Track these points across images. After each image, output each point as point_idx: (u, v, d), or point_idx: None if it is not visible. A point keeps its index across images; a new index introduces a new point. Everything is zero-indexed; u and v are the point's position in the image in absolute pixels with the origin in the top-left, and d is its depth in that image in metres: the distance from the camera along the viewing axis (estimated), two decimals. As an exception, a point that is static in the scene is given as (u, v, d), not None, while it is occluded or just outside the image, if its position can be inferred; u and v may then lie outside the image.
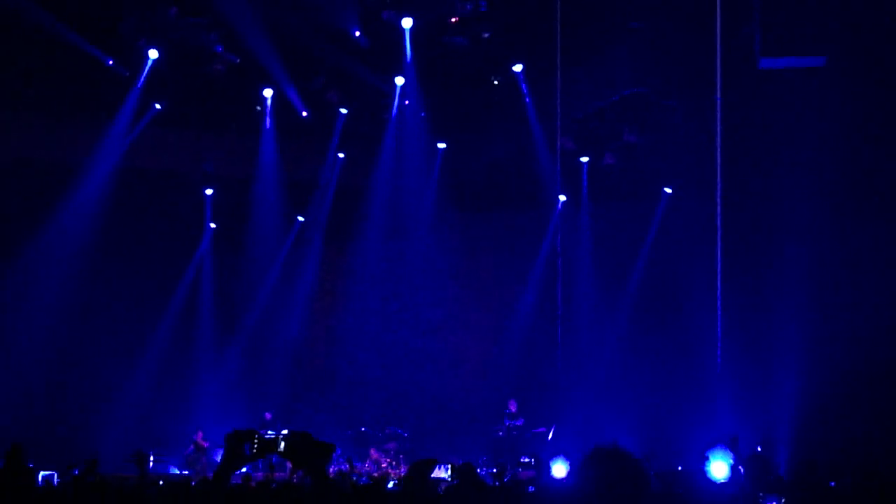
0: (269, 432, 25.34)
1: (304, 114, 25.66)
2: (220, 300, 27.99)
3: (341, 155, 27.29)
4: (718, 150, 23.34)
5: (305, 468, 5.42)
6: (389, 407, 27.04)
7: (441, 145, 27.25)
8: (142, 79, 24.16)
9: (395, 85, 25.23)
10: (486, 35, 23.45)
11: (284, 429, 24.67)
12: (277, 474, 22.89)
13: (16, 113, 25.05)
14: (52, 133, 25.50)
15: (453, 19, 23.13)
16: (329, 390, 28.18)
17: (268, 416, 25.20)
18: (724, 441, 21.28)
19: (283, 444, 5.43)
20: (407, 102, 25.60)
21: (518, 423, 24.95)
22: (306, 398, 27.76)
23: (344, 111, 26.13)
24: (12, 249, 25.00)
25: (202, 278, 28.17)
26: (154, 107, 25.23)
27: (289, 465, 23.10)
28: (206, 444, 24.44)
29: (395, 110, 25.81)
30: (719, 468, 20.33)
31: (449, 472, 19.24)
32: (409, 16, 22.94)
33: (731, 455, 20.38)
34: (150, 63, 23.88)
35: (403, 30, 23.40)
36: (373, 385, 28.01)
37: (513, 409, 25.18)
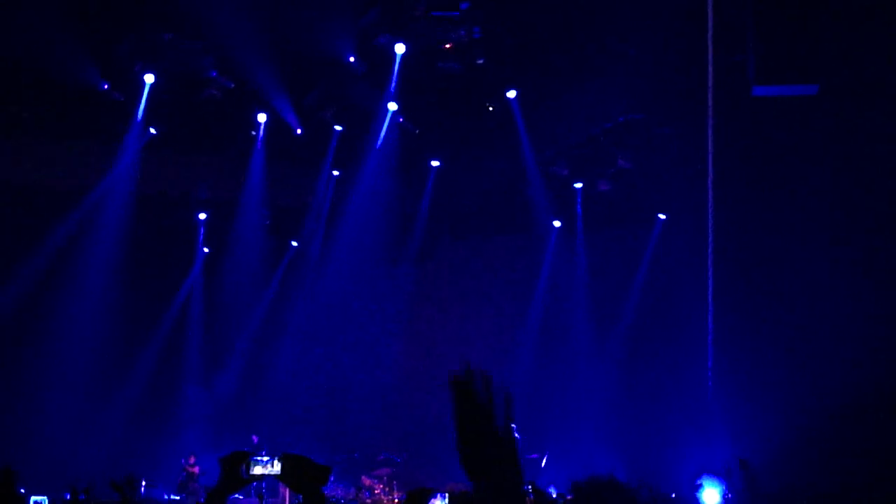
0: (264, 457, 25.25)
1: (299, 131, 25.62)
2: (210, 325, 27.93)
3: (336, 172, 27.23)
4: (711, 176, 23.38)
5: (301, 491, 5.42)
6: (382, 432, 26.97)
7: (435, 163, 27.23)
8: (141, 104, 24.15)
9: (387, 110, 25.19)
10: (480, 61, 23.50)
11: (266, 452, 24.73)
12: (268, 500, 22.83)
13: (8, 137, 25.04)
14: (46, 158, 25.49)
15: (447, 45, 23.17)
16: (320, 415, 28.11)
17: (255, 439, 25.15)
18: (726, 466, 21.35)
19: (279, 467, 5.42)
20: (401, 119, 25.57)
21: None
22: (297, 423, 27.68)
23: (338, 128, 26.08)
24: (3, 274, 24.99)
25: (193, 302, 28.13)
26: (149, 131, 25.22)
27: (282, 489, 23.08)
28: (196, 470, 24.37)
29: (382, 134, 25.74)
30: (711, 496, 20.38)
31: (447, 501, 19.13)
32: (402, 41, 22.98)
33: (723, 483, 20.43)
34: (147, 88, 23.89)
35: (396, 55, 23.42)
36: (365, 410, 27.94)
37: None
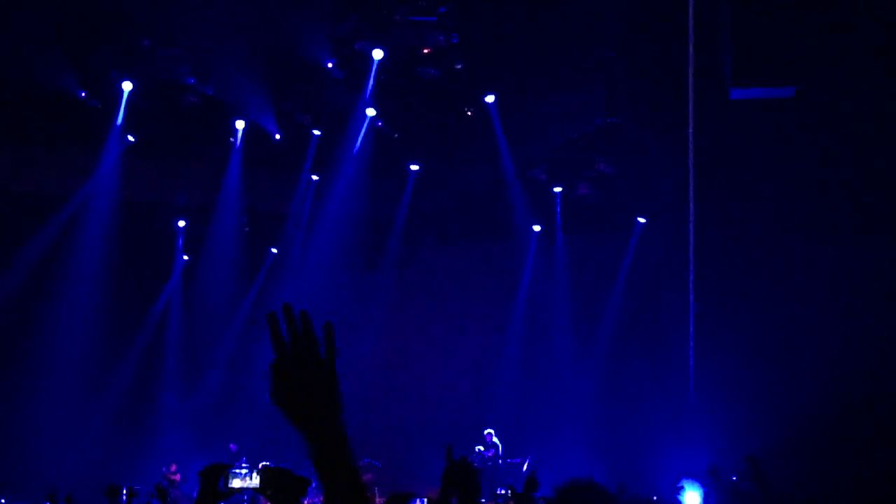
0: (244, 467, 25.26)
1: (277, 136, 25.58)
2: (190, 332, 27.82)
3: (315, 177, 27.14)
4: (691, 179, 23.42)
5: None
6: (363, 438, 26.89)
7: (414, 167, 27.19)
8: (121, 112, 24.11)
9: (365, 114, 25.16)
10: (459, 66, 23.50)
11: (245, 460, 24.65)
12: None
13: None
14: (25, 165, 25.39)
15: (426, 50, 23.17)
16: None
17: (233, 447, 25.09)
18: (702, 470, 21.41)
19: (257, 480, 5.38)
20: (380, 124, 25.55)
21: (488, 454, 24.88)
22: (277, 429, 27.58)
23: (317, 132, 26.03)
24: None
25: (172, 309, 28.04)
26: (127, 138, 25.15)
27: (263, 500, 23.00)
28: (177, 477, 24.28)
29: (360, 139, 25.70)
30: (692, 498, 20.43)
31: None
32: (381, 47, 22.96)
33: (702, 486, 20.49)
34: (125, 96, 23.85)
35: (374, 61, 23.41)
36: (347, 416, 27.85)
37: (489, 439, 25.15)
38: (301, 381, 3.10)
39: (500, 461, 24.88)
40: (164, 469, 24.32)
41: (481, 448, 24.95)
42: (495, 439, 25.13)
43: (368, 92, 24.09)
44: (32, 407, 25.14)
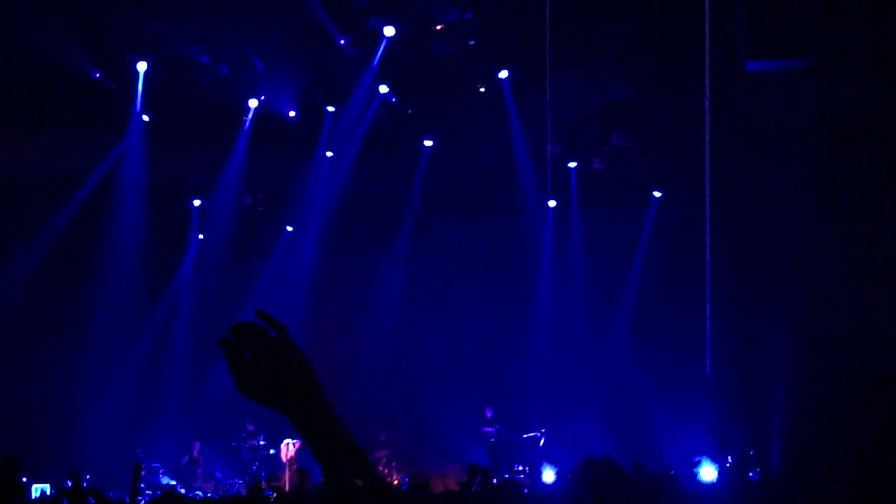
0: (261, 442, 25.48)
1: (292, 114, 25.56)
2: (207, 310, 27.76)
3: (329, 154, 27.04)
4: (707, 152, 23.33)
5: None
6: (384, 415, 26.90)
7: (428, 143, 27.04)
8: (138, 93, 24.12)
9: (378, 91, 25.08)
10: (472, 42, 23.45)
11: (263, 437, 24.75)
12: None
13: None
14: (39, 148, 25.40)
15: (439, 26, 23.12)
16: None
17: (250, 426, 25.16)
18: (713, 444, 21.50)
19: None
20: (393, 100, 25.50)
21: (491, 430, 24.93)
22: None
23: (331, 109, 25.96)
24: (2, 265, 25.05)
25: (186, 289, 28.00)
26: (142, 119, 25.14)
27: (281, 473, 23.15)
28: (200, 457, 24.45)
29: (370, 114, 25.63)
30: (708, 472, 20.49)
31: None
32: (393, 23, 22.89)
33: (714, 461, 20.59)
34: (142, 76, 23.84)
35: (386, 37, 23.33)
36: (366, 392, 27.86)
37: (488, 415, 25.23)
38: (262, 366, 3.05)
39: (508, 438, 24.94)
40: (193, 447, 24.51)
41: (489, 429, 24.98)
42: (491, 416, 25.28)
43: (381, 68, 24.03)
44: (50, 387, 25.23)
